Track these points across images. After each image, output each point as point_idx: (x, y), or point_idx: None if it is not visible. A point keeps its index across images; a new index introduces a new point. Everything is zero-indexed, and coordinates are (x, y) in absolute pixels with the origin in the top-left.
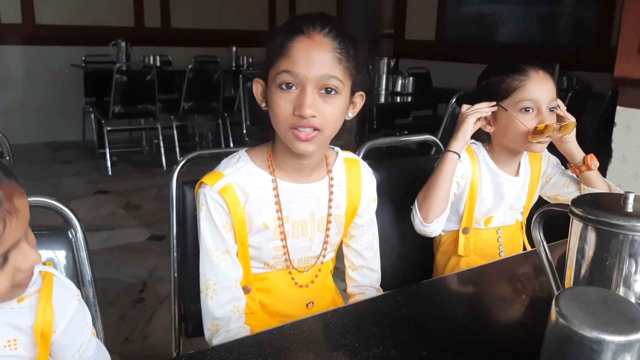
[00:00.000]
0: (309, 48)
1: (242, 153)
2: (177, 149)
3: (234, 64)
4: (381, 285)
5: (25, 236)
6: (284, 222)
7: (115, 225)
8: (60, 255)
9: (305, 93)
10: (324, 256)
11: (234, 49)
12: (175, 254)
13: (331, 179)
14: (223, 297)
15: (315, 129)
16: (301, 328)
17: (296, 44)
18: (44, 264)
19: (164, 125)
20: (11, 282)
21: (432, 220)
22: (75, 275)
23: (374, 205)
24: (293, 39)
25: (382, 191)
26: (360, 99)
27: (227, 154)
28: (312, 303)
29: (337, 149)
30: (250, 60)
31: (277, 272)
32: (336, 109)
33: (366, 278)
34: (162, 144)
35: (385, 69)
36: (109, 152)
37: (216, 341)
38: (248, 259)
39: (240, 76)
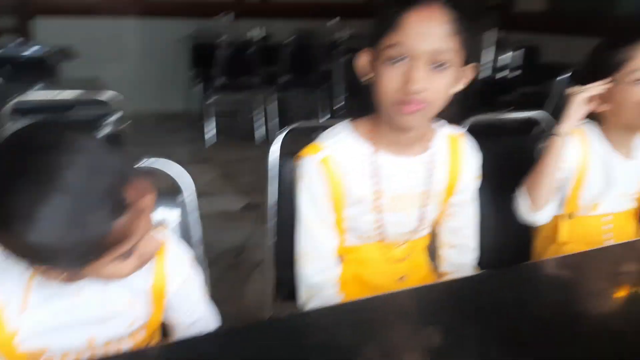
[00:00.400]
0: (422, 20)
1: (344, 125)
2: (276, 121)
3: (333, 37)
4: (479, 265)
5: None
6: (381, 195)
7: (214, 192)
8: (171, 217)
9: (414, 67)
10: (420, 232)
11: (333, 21)
12: (272, 222)
13: (433, 154)
14: (318, 265)
15: (422, 103)
16: (396, 300)
17: (408, 16)
18: (158, 226)
19: (264, 97)
20: (136, 267)
21: (540, 209)
22: (185, 237)
23: (475, 183)
24: (405, 11)
25: (483, 169)
26: (471, 71)
27: (327, 126)
28: (405, 277)
29: (440, 123)
30: (350, 32)
31: (371, 244)
32: (446, 82)
33: (463, 257)
34: (261, 116)
35: (490, 42)
36: (211, 123)
37: (310, 307)
38: (343, 230)
39: (339, 49)
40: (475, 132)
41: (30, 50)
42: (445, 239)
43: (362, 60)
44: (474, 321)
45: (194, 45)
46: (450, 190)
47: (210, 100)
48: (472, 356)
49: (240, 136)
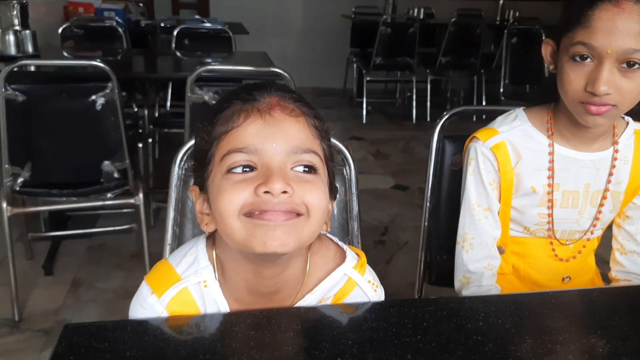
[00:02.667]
0: (614, 18)
1: (520, 112)
2: (428, 104)
3: (498, 18)
4: None
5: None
6: (554, 189)
7: (364, 170)
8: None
9: (601, 68)
10: (591, 232)
11: (501, 2)
12: (428, 204)
13: (616, 151)
14: (479, 253)
15: (609, 105)
16: (562, 299)
17: (599, 12)
18: None
19: (419, 79)
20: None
21: None
22: (345, 211)
23: None
24: (596, 6)
25: None
26: None
27: (493, 112)
28: (569, 278)
29: (628, 118)
30: (517, 14)
31: (537, 239)
32: (637, 84)
33: (636, 265)
34: (414, 98)
35: None
36: (366, 102)
37: (466, 293)
38: (508, 220)
39: (505, 32)
40: None
41: (207, 26)
42: (619, 243)
43: (547, 49)
44: None
45: (354, 24)
46: (633, 192)
47: (367, 79)
48: None
49: (393, 116)
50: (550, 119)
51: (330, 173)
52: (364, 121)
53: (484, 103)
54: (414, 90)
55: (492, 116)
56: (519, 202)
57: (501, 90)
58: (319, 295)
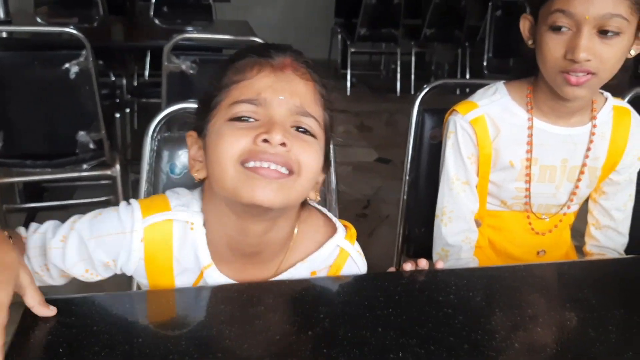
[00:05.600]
0: None
1: (500, 85)
2: (413, 77)
3: None
4: (627, 252)
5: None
6: (532, 164)
7: (347, 143)
8: None
9: (580, 35)
10: (568, 207)
11: None
12: (407, 177)
13: (594, 126)
14: (457, 226)
15: (589, 73)
16: (533, 272)
17: None
18: None
19: (403, 51)
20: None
21: None
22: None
23: (638, 163)
24: None
25: None
26: None
27: (474, 85)
28: (544, 252)
29: (607, 94)
30: None
31: (513, 212)
32: (616, 50)
33: (610, 240)
34: (399, 70)
35: None
36: (350, 73)
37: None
38: (486, 194)
39: (490, 4)
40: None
41: None
42: (594, 218)
43: (525, 24)
44: (617, 304)
45: None
46: (610, 167)
47: (351, 51)
48: (614, 340)
49: (377, 88)
50: (530, 93)
51: (328, 143)
52: (348, 93)
53: (467, 76)
54: (399, 63)
55: (474, 90)
56: (497, 177)
57: (485, 63)
58: (313, 266)
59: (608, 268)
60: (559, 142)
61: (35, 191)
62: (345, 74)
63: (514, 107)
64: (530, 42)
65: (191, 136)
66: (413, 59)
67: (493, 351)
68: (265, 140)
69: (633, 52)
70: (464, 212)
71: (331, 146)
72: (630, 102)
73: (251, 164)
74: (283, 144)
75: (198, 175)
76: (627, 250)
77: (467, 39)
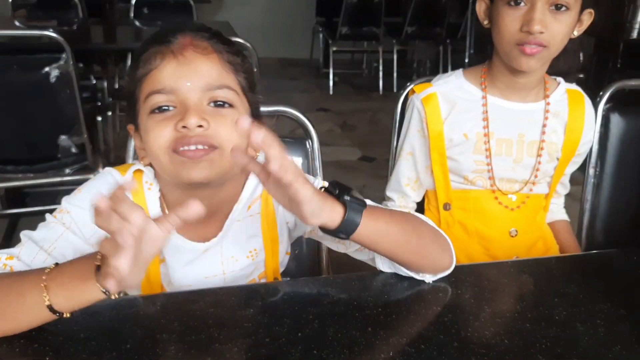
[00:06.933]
0: None
1: (457, 71)
2: (395, 75)
3: None
4: (610, 243)
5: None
6: (488, 137)
7: (331, 142)
8: (297, 163)
9: (535, 9)
10: (533, 183)
11: None
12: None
13: (548, 104)
14: (393, 185)
15: (541, 45)
16: (521, 268)
17: None
18: None
19: (385, 49)
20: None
21: None
22: None
23: (588, 146)
24: None
25: (628, 140)
26: (588, 17)
27: None
28: (516, 231)
29: (559, 79)
30: None
31: (479, 191)
32: (565, 25)
33: (556, 206)
34: (381, 68)
35: None
36: (332, 72)
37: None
38: (447, 171)
39: (470, 1)
40: (621, 99)
41: None
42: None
43: (480, 6)
44: (604, 298)
45: None
46: (569, 150)
47: (333, 50)
48: (602, 334)
49: (360, 87)
50: (484, 74)
51: (253, 103)
52: (331, 92)
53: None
54: (381, 61)
55: None
56: (454, 151)
57: (466, 60)
58: (245, 203)
59: (595, 262)
60: (513, 116)
61: (17, 197)
62: (328, 73)
63: (468, 86)
64: (485, 22)
65: (131, 129)
66: (395, 57)
67: (483, 348)
68: (184, 126)
69: (576, 33)
70: (399, 177)
71: (315, 145)
72: (611, 95)
73: (180, 149)
74: (200, 126)
75: (144, 162)
76: (613, 244)
77: (448, 37)
